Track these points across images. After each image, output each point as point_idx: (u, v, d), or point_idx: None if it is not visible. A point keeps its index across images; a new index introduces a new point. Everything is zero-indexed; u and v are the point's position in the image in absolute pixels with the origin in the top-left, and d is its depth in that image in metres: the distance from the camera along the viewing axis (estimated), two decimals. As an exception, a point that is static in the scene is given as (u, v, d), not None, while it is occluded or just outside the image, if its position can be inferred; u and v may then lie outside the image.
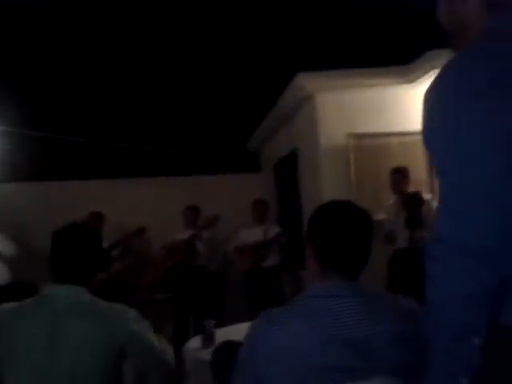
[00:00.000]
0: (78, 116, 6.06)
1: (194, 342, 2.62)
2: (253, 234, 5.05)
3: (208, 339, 2.43)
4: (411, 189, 4.31)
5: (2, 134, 5.28)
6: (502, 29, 1.01)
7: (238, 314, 4.23)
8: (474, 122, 0.90)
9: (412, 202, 4.08)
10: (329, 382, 1.24)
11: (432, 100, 1.02)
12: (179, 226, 5.43)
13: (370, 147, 4.96)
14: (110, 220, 5.22)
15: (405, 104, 4.98)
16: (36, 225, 5.11)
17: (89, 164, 6.45)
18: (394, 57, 4.83)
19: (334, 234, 1.38)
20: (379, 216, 4.15)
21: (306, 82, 4.99)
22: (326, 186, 4.85)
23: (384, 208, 4.34)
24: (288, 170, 6.05)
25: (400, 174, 4.32)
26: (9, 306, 1.69)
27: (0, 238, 4.68)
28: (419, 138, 4.31)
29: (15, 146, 5.44)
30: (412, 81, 4.92)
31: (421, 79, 4.83)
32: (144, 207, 6.03)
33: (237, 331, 2.30)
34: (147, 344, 1.64)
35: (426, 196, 4.20)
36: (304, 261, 1.48)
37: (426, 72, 4.69)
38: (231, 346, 1.80)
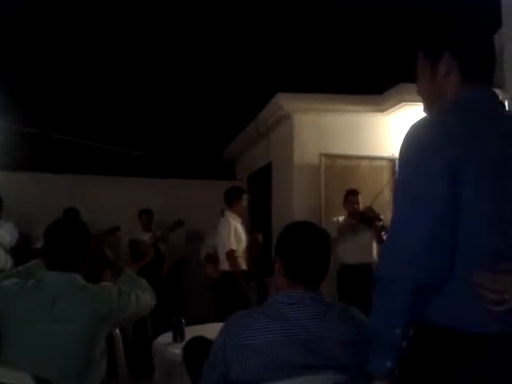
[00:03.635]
0: (68, 116, 6.16)
1: (164, 338, 2.78)
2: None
3: (179, 334, 2.63)
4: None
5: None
6: (474, 99, 1.28)
7: (195, 315, 4.35)
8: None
9: (370, 218, 4.39)
10: (287, 376, 1.46)
11: (411, 151, 1.26)
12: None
13: (340, 168, 5.26)
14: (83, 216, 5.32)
15: (375, 130, 5.31)
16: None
17: (67, 160, 6.55)
18: (367, 86, 5.14)
19: (300, 251, 1.63)
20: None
21: (284, 101, 5.25)
22: (296, 200, 5.11)
23: (331, 225, 4.48)
24: (262, 182, 6.30)
25: (355, 196, 4.60)
26: (12, 282, 1.97)
27: (9, 226, 4.74)
28: (386, 163, 4.71)
29: (9, 137, 5.52)
30: (383, 110, 5.25)
31: (391, 109, 5.17)
32: (118, 205, 6.15)
33: (202, 330, 2.46)
34: (128, 312, 2.01)
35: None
36: (272, 270, 1.72)
37: (396, 103, 5.02)
38: (202, 341, 2.01)
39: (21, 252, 4.69)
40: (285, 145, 5.48)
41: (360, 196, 4.61)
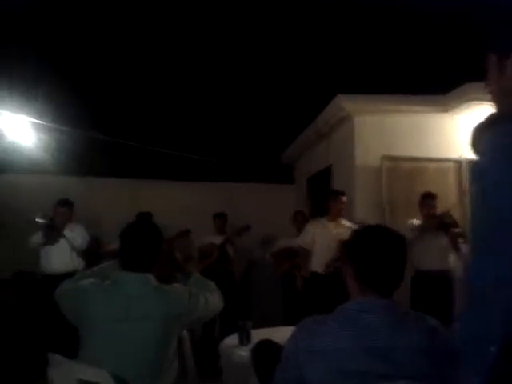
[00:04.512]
0: (129, 121, 6.40)
1: (231, 340, 2.82)
2: (292, 242, 5.29)
3: (245, 337, 2.66)
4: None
5: (67, 133, 5.64)
6: None
7: (262, 316, 4.42)
8: None
9: (447, 223, 4.23)
10: (355, 383, 1.42)
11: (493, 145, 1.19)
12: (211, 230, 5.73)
13: (404, 170, 5.12)
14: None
15: (441, 131, 5.14)
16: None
17: (133, 165, 6.81)
18: (432, 86, 4.98)
19: (371, 256, 1.56)
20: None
21: (345, 103, 5.19)
22: (358, 203, 5.02)
23: (405, 229, 4.41)
24: (322, 185, 6.24)
25: (433, 199, 4.43)
26: (89, 281, 2.07)
27: (80, 229, 4.94)
28: (453, 165, 4.54)
29: (73, 142, 5.81)
30: (448, 110, 5.08)
31: (457, 109, 4.99)
32: (181, 209, 6.32)
33: (269, 334, 2.44)
34: (198, 313, 2.07)
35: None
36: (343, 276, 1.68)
37: (462, 103, 4.85)
38: (271, 344, 2.02)
39: (92, 254, 4.90)
40: (346, 147, 5.41)
41: (437, 200, 4.42)
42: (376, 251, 1.57)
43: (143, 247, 2.07)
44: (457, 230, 4.25)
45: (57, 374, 1.86)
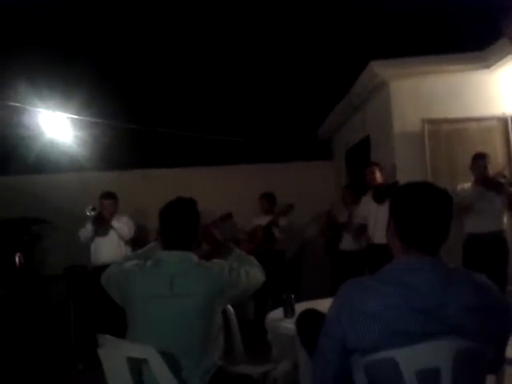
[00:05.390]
0: (161, 109, 6.45)
1: (276, 314, 2.81)
2: (341, 217, 5.38)
3: (289, 310, 2.65)
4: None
5: (105, 127, 5.77)
6: None
7: (313, 294, 4.37)
8: None
9: (501, 184, 4.05)
10: (403, 343, 1.37)
11: None
12: (255, 211, 5.71)
13: (445, 133, 4.94)
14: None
15: (481, 89, 4.92)
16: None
17: (171, 153, 6.88)
18: (469, 43, 4.75)
19: (414, 213, 1.49)
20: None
21: (379, 69, 5.03)
22: (400, 172, 4.87)
23: (455, 193, 4.23)
24: (360, 157, 6.12)
25: (483, 159, 4.22)
26: (132, 263, 2.12)
27: (126, 219, 5.11)
28: (496, 123, 4.35)
29: (110, 137, 5.93)
30: (488, 66, 4.83)
31: (497, 64, 4.75)
32: (223, 194, 6.36)
33: (313, 306, 2.43)
34: (240, 287, 2.08)
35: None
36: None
37: (503, 57, 4.59)
38: (314, 312, 1.99)
39: (139, 243, 5.03)
40: (382, 115, 5.26)
41: (488, 159, 4.22)
42: (419, 208, 1.49)
43: (181, 225, 2.09)
44: None
45: (106, 354, 1.91)
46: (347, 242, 5.27)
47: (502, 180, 4.11)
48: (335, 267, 5.44)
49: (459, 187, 4.27)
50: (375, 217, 4.41)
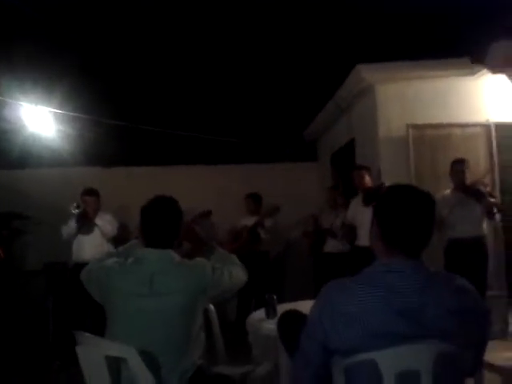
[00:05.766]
0: (147, 106, 6.40)
1: (258, 315, 2.80)
2: (326, 220, 5.40)
3: (271, 311, 2.64)
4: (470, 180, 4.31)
5: (89, 122, 5.70)
6: None
7: (296, 295, 4.37)
8: None
9: (481, 193, 4.13)
10: (384, 345, 1.37)
11: None
12: (240, 211, 5.70)
13: (430, 138, 4.99)
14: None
15: (466, 95, 4.98)
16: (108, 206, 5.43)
17: (155, 151, 6.82)
18: (454, 49, 4.80)
19: (398, 215, 1.49)
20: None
21: (365, 73, 5.06)
22: (384, 176, 4.89)
23: (440, 198, 4.32)
24: (345, 160, 6.15)
25: (461, 164, 4.31)
26: (113, 260, 2.10)
27: (109, 217, 5.06)
28: (480, 129, 4.41)
29: (94, 132, 5.85)
30: (473, 73, 4.89)
31: (482, 71, 4.80)
32: (206, 193, 6.32)
33: (296, 307, 2.42)
34: (222, 286, 2.07)
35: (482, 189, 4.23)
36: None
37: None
38: (296, 313, 1.98)
39: (121, 241, 4.98)
40: (368, 118, 5.29)
41: (467, 164, 4.30)
42: (403, 210, 1.50)
43: (163, 223, 2.07)
44: (492, 200, 4.16)
45: (84, 351, 1.87)
46: (331, 245, 5.29)
47: (482, 188, 4.18)
48: (318, 269, 5.47)
49: (439, 196, 4.29)
50: (361, 219, 4.43)
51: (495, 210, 4.23)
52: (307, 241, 5.61)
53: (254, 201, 5.64)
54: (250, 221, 5.46)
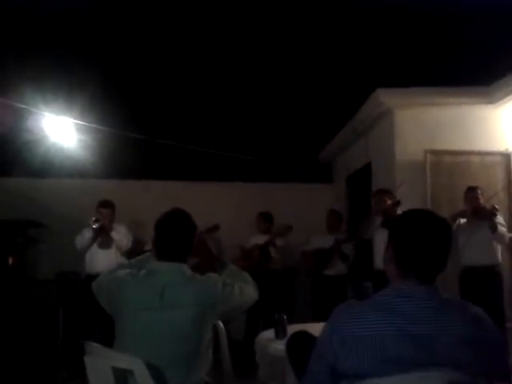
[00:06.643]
0: (166, 121, 6.48)
1: (267, 334, 2.78)
2: (322, 242, 5.23)
3: (281, 331, 2.61)
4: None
5: (108, 134, 5.77)
6: None
7: (304, 315, 4.36)
8: None
9: (485, 213, 4.08)
10: (393, 371, 1.35)
11: None
12: (252, 229, 5.69)
13: (447, 164, 4.96)
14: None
15: (485, 124, 4.96)
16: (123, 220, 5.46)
17: (172, 166, 6.88)
18: (474, 77, 4.81)
19: (413, 239, 1.49)
20: None
21: (385, 97, 5.07)
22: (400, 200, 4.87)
23: (456, 227, 4.30)
24: (361, 183, 6.12)
25: (474, 191, 4.29)
26: (125, 272, 2.11)
27: (124, 230, 5.08)
28: (499, 158, 4.38)
29: (114, 144, 5.93)
30: (493, 102, 4.88)
31: (502, 100, 4.79)
32: (221, 209, 6.33)
33: (305, 328, 2.39)
34: (233, 303, 2.05)
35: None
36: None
37: (507, 94, 4.65)
38: (305, 335, 1.96)
39: (135, 254, 4.98)
40: (385, 142, 5.28)
41: (480, 190, 4.29)
42: (418, 234, 1.49)
43: (176, 236, 2.08)
44: (499, 220, 4.13)
45: (92, 362, 1.87)
46: (332, 267, 5.23)
47: (494, 211, 4.13)
48: (316, 292, 5.39)
49: (455, 225, 4.28)
50: (379, 242, 4.40)
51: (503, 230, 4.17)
52: (307, 265, 5.53)
53: (265, 220, 5.63)
54: (261, 239, 5.44)
